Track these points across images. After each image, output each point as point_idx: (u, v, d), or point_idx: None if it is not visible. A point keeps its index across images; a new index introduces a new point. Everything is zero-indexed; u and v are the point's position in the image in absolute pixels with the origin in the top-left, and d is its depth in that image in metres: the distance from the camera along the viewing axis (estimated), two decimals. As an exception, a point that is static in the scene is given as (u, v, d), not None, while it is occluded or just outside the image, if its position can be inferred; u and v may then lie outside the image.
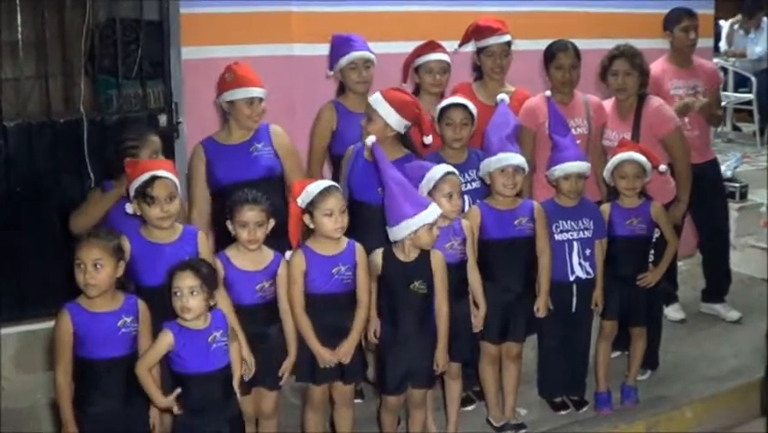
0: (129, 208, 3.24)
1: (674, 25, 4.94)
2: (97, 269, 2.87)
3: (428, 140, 3.81)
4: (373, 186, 3.57)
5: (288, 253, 3.32)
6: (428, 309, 3.39)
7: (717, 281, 5.22)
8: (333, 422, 3.60)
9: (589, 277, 3.92)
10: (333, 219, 3.25)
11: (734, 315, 5.15)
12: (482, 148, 3.84)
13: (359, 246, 3.36)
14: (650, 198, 4.07)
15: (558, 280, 3.84)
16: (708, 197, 4.85)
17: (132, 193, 3.21)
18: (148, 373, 2.91)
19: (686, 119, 4.74)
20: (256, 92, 3.74)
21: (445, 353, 3.44)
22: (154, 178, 3.16)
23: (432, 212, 3.29)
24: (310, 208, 3.27)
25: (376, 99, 3.71)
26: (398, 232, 3.29)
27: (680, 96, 4.81)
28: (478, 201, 3.81)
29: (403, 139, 3.79)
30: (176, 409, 2.94)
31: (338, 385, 3.42)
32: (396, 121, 3.68)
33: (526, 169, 3.75)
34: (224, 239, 3.38)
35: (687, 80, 4.92)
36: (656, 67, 4.88)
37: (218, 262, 3.22)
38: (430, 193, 3.47)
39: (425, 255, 3.36)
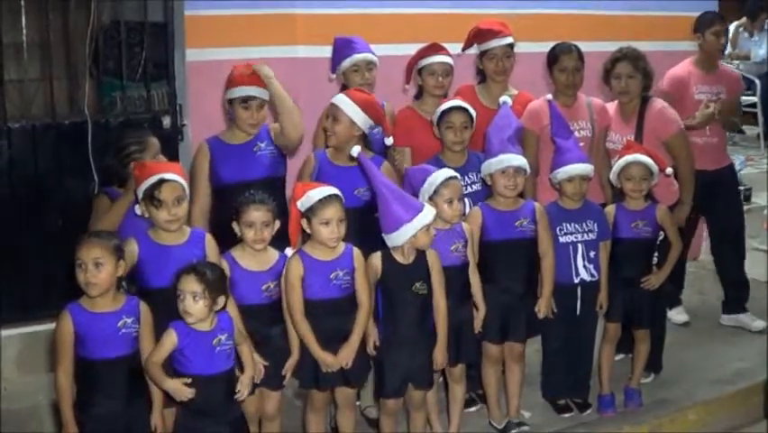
0: (138, 210, 3.24)
1: (706, 28, 4.83)
2: (98, 268, 2.87)
3: (389, 141, 3.83)
4: (348, 190, 3.51)
5: (288, 250, 3.31)
6: (428, 310, 3.39)
7: (737, 290, 5.09)
8: (334, 423, 3.60)
9: (593, 279, 3.91)
10: (329, 229, 3.23)
11: (759, 324, 4.98)
12: (484, 150, 3.84)
13: (356, 250, 3.34)
14: (656, 201, 4.07)
15: (562, 282, 3.84)
16: (727, 202, 4.82)
17: (139, 195, 3.21)
18: (155, 366, 2.90)
19: (707, 127, 4.71)
20: (252, 90, 3.69)
21: (445, 350, 3.43)
22: (162, 181, 3.16)
23: (428, 213, 3.30)
24: (308, 214, 3.25)
25: (341, 99, 3.71)
26: (399, 237, 3.29)
27: (705, 101, 4.69)
28: (479, 203, 3.80)
29: (365, 141, 3.77)
30: (187, 393, 2.91)
31: (341, 388, 3.41)
32: (362, 120, 3.68)
33: (528, 170, 3.75)
34: (224, 238, 3.38)
35: (711, 86, 4.86)
36: (682, 69, 4.83)
37: (224, 263, 3.22)
38: (431, 198, 3.47)
39: (421, 256, 3.37)
